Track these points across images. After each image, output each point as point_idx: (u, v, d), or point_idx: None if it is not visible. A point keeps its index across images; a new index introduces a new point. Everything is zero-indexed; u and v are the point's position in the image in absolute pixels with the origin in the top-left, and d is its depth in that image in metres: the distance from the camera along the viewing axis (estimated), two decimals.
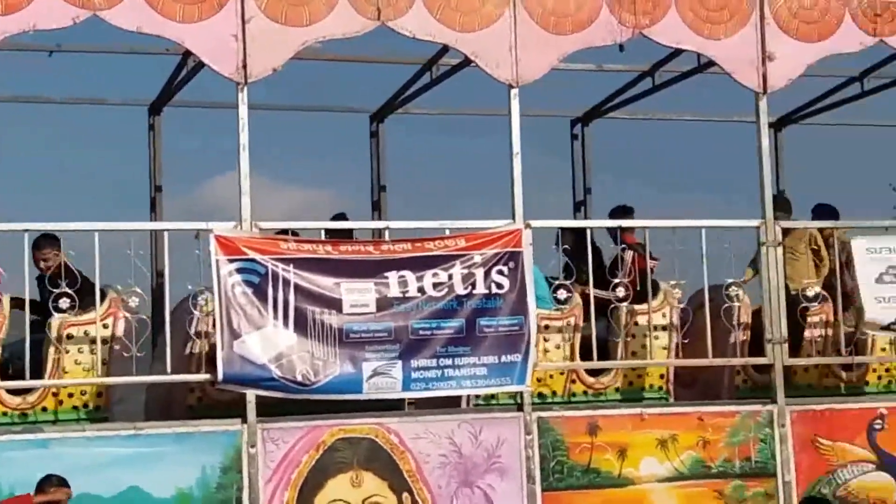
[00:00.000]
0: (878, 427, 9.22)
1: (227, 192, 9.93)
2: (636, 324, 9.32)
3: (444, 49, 8.74)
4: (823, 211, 9.95)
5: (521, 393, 8.17)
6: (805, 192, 12.60)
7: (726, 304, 9.20)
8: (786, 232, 9.20)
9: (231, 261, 7.97)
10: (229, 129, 7.95)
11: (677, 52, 9.27)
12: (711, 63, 8.83)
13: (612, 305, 8.80)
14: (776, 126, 12.39)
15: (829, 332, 9.52)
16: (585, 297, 8.87)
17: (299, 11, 7.95)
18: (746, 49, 8.64)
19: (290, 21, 7.96)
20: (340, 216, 9.99)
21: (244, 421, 7.87)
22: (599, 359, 8.85)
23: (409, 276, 8.26)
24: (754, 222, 8.98)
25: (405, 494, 8.30)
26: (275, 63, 7.99)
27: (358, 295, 8.25)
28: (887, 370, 9.65)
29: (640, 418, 8.47)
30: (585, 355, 8.71)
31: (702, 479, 8.95)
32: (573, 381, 8.93)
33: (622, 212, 9.79)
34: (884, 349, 9.33)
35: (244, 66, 7.87)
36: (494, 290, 8.46)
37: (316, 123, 15.07)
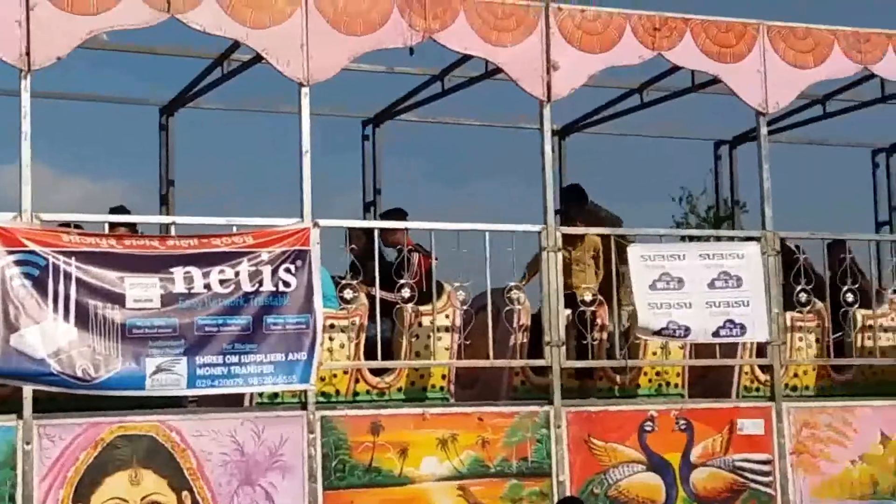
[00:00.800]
0: (648, 429, 9.52)
1: (7, 181, 9.63)
2: (420, 324, 9.39)
3: (236, 44, 8.65)
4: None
5: (306, 392, 8.15)
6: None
7: (508, 307, 9.31)
8: (569, 239, 9.48)
9: (9, 252, 7.77)
10: (12, 117, 7.69)
11: (467, 58, 9.39)
12: (499, 70, 8.94)
13: (397, 306, 8.89)
14: (560, 134, 12.73)
15: (605, 335, 9.80)
16: (372, 298, 8.93)
17: (86, 0, 7.76)
18: (532, 58, 8.84)
19: (76, 9, 7.80)
20: (119, 209, 9.80)
21: (20, 417, 7.67)
22: (383, 359, 8.81)
23: (195, 271, 8.20)
24: (536, 227, 9.13)
25: (185, 493, 8.21)
26: (59, 52, 7.81)
27: (142, 290, 8.16)
28: (658, 374, 9.99)
29: (423, 418, 8.57)
30: (370, 355, 8.75)
31: (480, 479, 9.06)
32: (357, 381, 9.01)
33: (394, 215, 9.97)
34: (655, 353, 9.65)
35: (27, 54, 7.67)
36: (281, 287, 8.48)
37: (105, 115, 14.74)
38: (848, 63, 9.85)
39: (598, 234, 9.88)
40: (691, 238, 10.67)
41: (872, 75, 10.40)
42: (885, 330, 11.22)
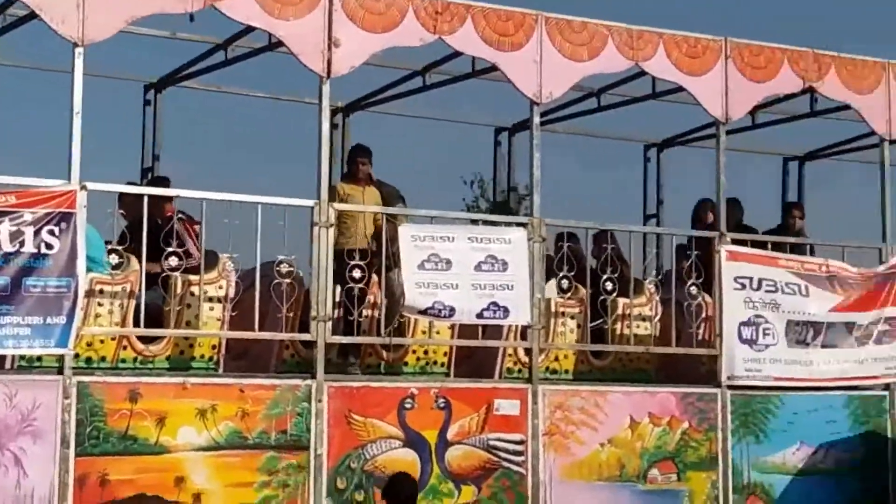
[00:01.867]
0: (408, 406, 9.69)
1: None
2: (192, 294, 9.34)
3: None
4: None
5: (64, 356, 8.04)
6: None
7: (276, 280, 9.34)
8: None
9: None
10: None
11: (251, 28, 9.38)
12: (282, 43, 8.96)
13: (164, 274, 8.83)
14: (345, 111, 12.81)
15: (376, 313, 9.93)
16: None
17: None
18: (314, 33, 8.92)
19: None
20: None
21: None
22: (154, 327, 9.03)
23: None
24: (309, 202, 9.17)
25: None
26: None
27: None
28: (426, 352, 10.17)
29: (183, 387, 8.55)
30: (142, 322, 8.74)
31: (238, 450, 9.05)
32: (124, 348, 9.00)
33: (159, 182, 9.95)
34: (424, 332, 9.82)
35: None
36: (44, 249, 8.36)
37: None
38: (621, 59, 10.24)
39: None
40: (474, 222, 10.84)
41: (644, 72, 10.78)
42: (643, 319, 11.59)
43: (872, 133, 12.41)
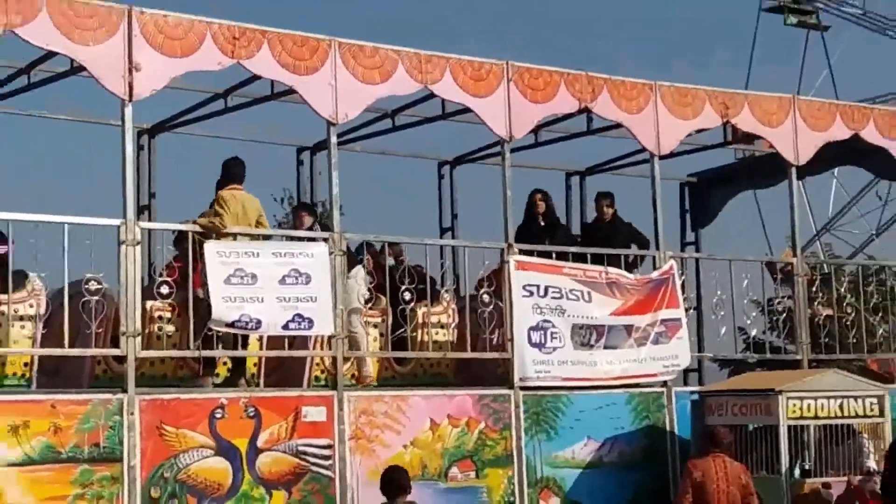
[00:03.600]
0: (218, 416, 9.70)
1: None
2: (1, 313, 9.25)
3: None
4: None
5: None
6: (177, 196, 12.99)
7: (85, 298, 9.27)
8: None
9: None
10: None
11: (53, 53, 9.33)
12: (84, 67, 8.97)
13: None
14: (150, 133, 12.75)
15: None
16: None
17: None
18: (114, 58, 8.97)
19: None
20: None
21: None
22: None
23: None
24: (115, 221, 9.18)
25: None
26: None
27: None
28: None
29: None
30: None
31: (51, 464, 8.93)
32: None
33: None
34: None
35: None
36: None
37: None
38: (411, 81, 10.57)
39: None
40: (267, 237, 10.89)
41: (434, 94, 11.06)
42: (442, 326, 11.81)
43: (644, 149, 12.90)
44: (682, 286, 12.78)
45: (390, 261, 11.80)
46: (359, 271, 11.15)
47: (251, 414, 9.73)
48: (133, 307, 9.23)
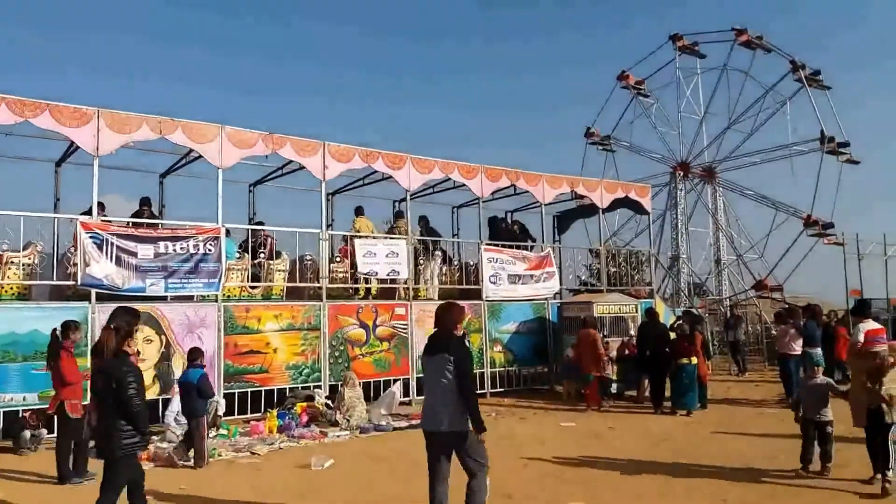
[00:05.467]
0: (360, 311, 9.92)
1: None
2: None
3: None
4: None
5: None
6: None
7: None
8: None
9: (86, 232, 8.60)
10: None
11: None
12: None
13: None
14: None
15: None
16: None
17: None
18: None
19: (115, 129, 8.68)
20: (145, 200, 10.54)
21: (90, 302, 8.10)
22: None
23: (169, 243, 8.84)
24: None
25: (162, 336, 8.43)
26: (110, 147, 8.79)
27: (144, 250, 9.06)
28: None
29: None
30: None
31: (293, 331, 9.11)
32: None
33: None
34: None
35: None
36: (208, 251, 9.11)
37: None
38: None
39: None
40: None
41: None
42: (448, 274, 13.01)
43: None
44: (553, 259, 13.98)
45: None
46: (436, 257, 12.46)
47: (373, 309, 10.78)
48: (327, 269, 10.69)
